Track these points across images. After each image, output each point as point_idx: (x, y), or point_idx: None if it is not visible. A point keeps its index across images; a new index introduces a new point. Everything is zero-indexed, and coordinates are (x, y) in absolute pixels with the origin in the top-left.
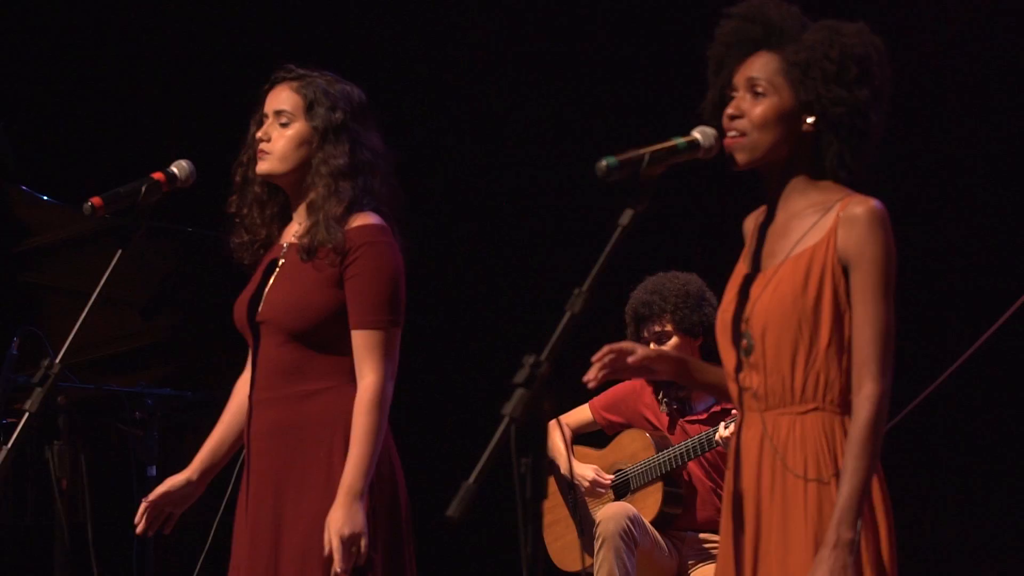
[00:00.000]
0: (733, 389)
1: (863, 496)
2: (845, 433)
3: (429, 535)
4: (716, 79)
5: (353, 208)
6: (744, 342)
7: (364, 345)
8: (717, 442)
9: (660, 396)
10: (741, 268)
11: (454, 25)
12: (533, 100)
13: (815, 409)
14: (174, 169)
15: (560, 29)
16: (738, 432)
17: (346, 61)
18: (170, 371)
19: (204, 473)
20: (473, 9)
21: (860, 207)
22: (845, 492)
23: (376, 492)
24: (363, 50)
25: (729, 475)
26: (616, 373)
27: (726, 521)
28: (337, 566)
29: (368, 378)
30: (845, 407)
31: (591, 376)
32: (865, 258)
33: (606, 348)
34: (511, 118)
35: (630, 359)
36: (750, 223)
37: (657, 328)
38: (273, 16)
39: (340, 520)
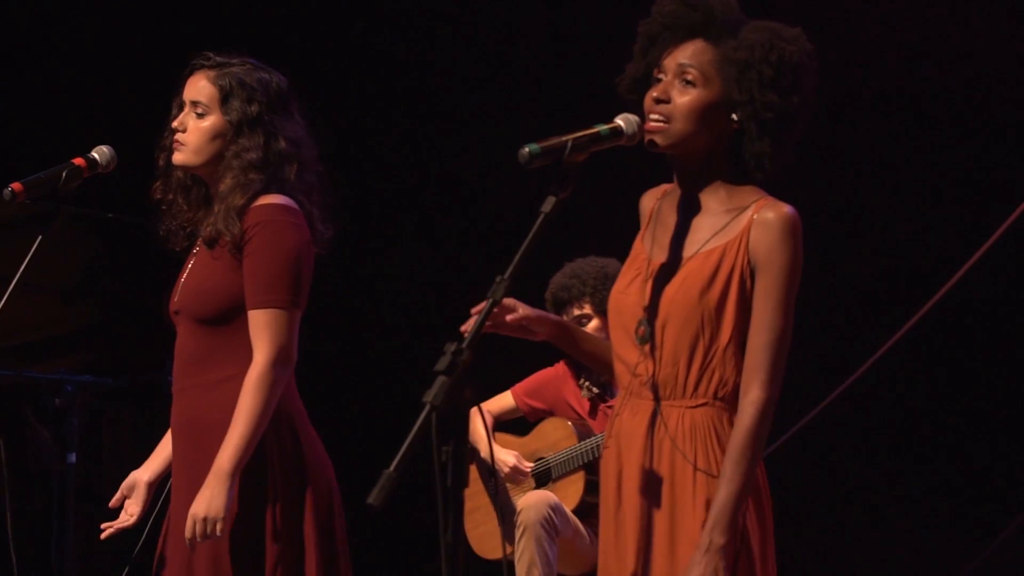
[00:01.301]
0: (621, 371)
1: (740, 501)
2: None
3: (350, 523)
4: (644, 56)
5: (257, 196)
6: (642, 329)
7: (256, 324)
8: None
9: (581, 381)
10: (641, 250)
11: (384, 12)
12: (455, 87)
13: (705, 404)
14: (95, 154)
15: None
16: (622, 416)
17: (273, 48)
18: (91, 358)
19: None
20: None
21: (775, 212)
22: (722, 497)
23: (278, 476)
24: (290, 35)
25: (611, 460)
26: (496, 328)
27: (608, 507)
28: (188, 541)
29: (256, 358)
30: (734, 405)
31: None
32: (774, 264)
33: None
34: (433, 105)
35: (508, 317)
36: (648, 202)
37: (576, 311)
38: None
39: (201, 501)
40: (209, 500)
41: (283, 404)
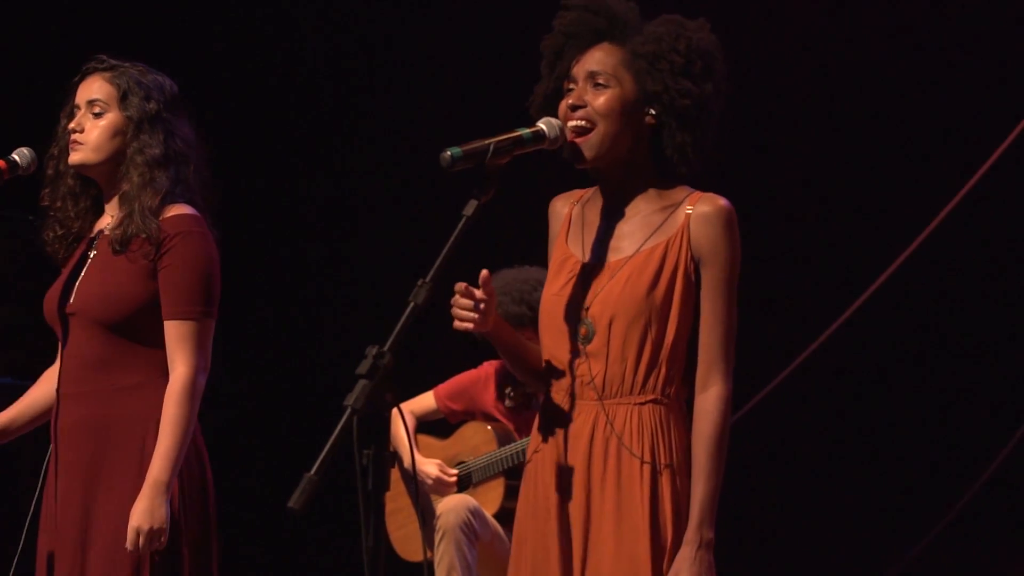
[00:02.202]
0: (556, 373)
1: (718, 493)
2: (678, 423)
3: (271, 526)
4: (552, 70)
5: (167, 199)
6: (584, 330)
7: (176, 336)
8: None
9: (507, 390)
10: (568, 254)
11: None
12: (378, 91)
13: (653, 400)
14: (15, 156)
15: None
16: (559, 419)
17: (167, 55)
18: (11, 360)
19: None
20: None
21: (712, 205)
22: (704, 493)
23: (185, 486)
24: (186, 44)
25: (546, 463)
26: (485, 314)
27: (540, 511)
28: (131, 553)
29: (179, 369)
30: (679, 399)
31: (472, 326)
32: (719, 257)
33: (462, 285)
34: (356, 107)
35: (478, 293)
36: (563, 207)
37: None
38: (92, 6)
39: (141, 513)
40: (151, 512)
41: None
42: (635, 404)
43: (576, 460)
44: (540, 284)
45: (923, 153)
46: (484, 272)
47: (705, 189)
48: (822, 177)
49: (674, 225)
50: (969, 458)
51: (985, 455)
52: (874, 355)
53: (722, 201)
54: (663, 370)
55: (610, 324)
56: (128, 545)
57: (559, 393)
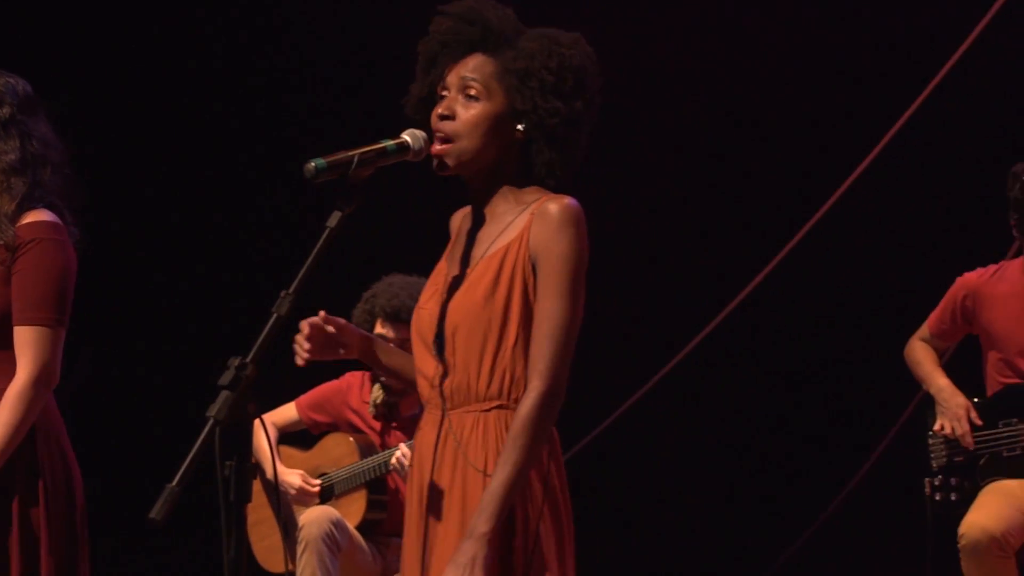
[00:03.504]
0: (422, 384)
1: (512, 490)
2: None
3: (133, 537)
4: (426, 75)
5: (24, 204)
6: (439, 342)
7: (22, 341)
8: (394, 466)
9: (374, 397)
10: (442, 267)
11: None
12: (245, 99)
13: (498, 407)
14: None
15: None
16: (423, 430)
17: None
18: None
19: None
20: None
21: (555, 204)
22: (492, 484)
23: (51, 494)
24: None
25: (414, 473)
26: (321, 345)
27: (411, 522)
28: None
29: (20, 374)
30: None
31: (303, 354)
32: (552, 254)
33: (306, 323)
34: (222, 115)
35: (328, 328)
36: (457, 220)
37: (379, 330)
38: None
39: None
40: None
41: (51, 422)
42: (481, 411)
43: (431, 469)
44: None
45: (774, 183)
46: (322, 313)
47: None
48: (681, 194)
49: (518, 227)
50: (837, 465)
51: (852, 462)
52: (745, 361)
53: (566, 200)
54: (507, 375)
55: (454, 333)
56: None
57: (425, 405)
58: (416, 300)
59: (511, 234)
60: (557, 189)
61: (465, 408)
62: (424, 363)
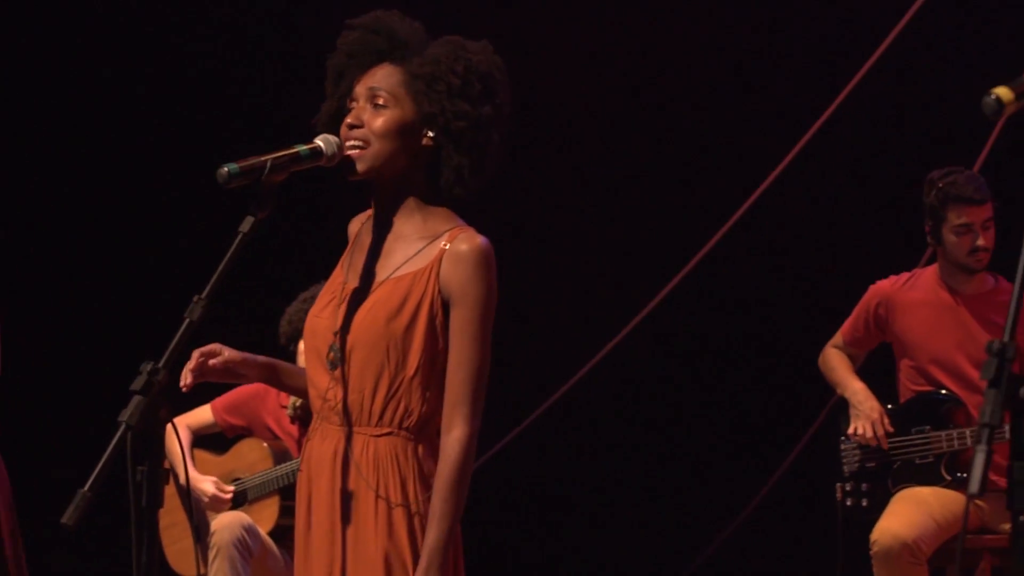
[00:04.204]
0: (313, 395)
1: (451, 538)
2: (417, 461)
3: (44, 542)
4: (335, 89)
5: None
6: (332, 354)
7: None
8: None
9: (292, 400)
10: (338, 274)
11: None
12: (161, 102)
13: (389, 434)
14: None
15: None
16: (313, 441)
17: None
18: None
19: None
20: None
21: (468, 244)
22: (433, 537)
23: (9, 513)
24: None
25: (303, 484)
26: (205, 376)
27: (299, 532)
28: None
29: None
30: (420, 436)
31: (183, 382)
32: (469, 297)
33: (196, 352)
34: (138, 119)
35: (211, 361)
36: (355, 225)
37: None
38: None
39: None
40: None
41: None
42: (372, 436)
43: (322, 483)
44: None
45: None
46: (215, 346)
47: (476, 214)
48: (592, 203)
49: (427, 257)
50: (751, 471)
51: (766, 468)
52: (660, 367)
53: (479, 240)
54: (402, 404)
55: (352, 351)
56: None
57: (316, 416)
58: None
59: (420, 263)
60: (467, 198)
61: (358, 428)
62: (317, 374)
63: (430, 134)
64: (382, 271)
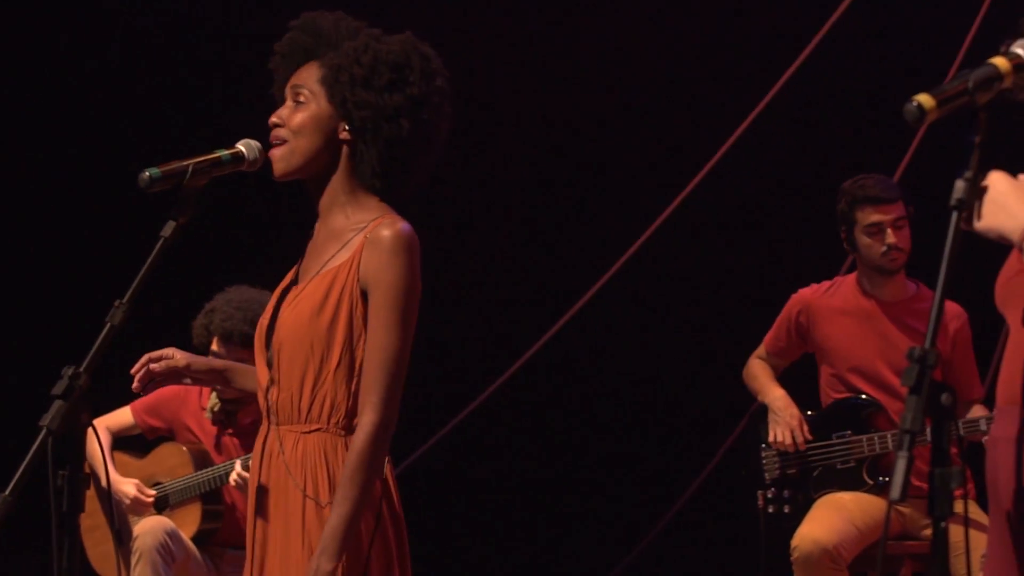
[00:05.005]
0: (260, 396)
1: (351, 525)
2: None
3: None
4: (274, 91)
5: None
6: (269, 354)
7: None
8: (237, 481)
9: (211, 404)
10: (289, 276)
11: None
12: (81, 106)
13: (318, 430)
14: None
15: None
16: (259, 442)
17: None
18: None
19: None
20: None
21: (387, 230)
22: (332, 522)
23: None
24: None
25: (252, 485)
26: (155, 380)
27: (249, 532)
28: None
29: None
30: (350, 430)
31: (136, 386)
32: (383, 283)
33: (144, 357)
34: (58, 122)
35: (152, 366)
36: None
37: (215, 348)
38: None
39: None
40: None
41: None
42: (302, 433)
43: (262, 482)
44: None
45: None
46: (165, 350)
47: (413, 209)
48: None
49: (351, 249)
50: (672, 478)
51: (687, 475)
52: (580, 374)
53: (399, 226)
54: (328, 399)
55: (280, 350)
56: None
57: (263, 415)
58: (252, 320)
59: (344, 255)
60: (391, 192)
61: (289, 427)
62: (260, 373)
63: (347, 128)
64: (314, 268)
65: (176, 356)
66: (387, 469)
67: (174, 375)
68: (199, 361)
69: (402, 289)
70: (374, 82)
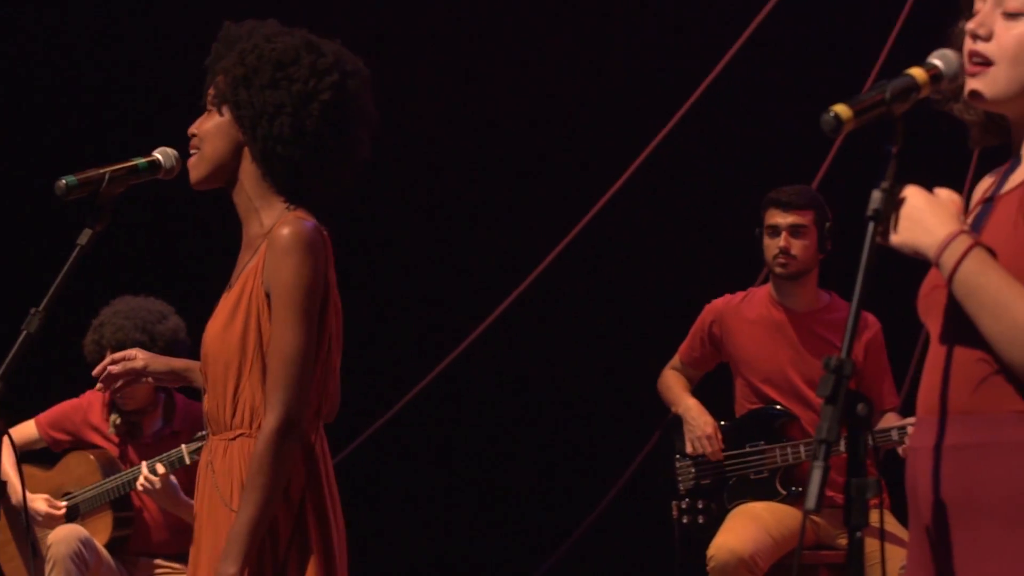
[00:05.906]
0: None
1: (256, 529)
2: None
3: None
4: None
5: None
6: (203, 366)
7: None
8: (144, 485)
9: (112, 417)
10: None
11: None
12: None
13: (241, 435)
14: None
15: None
16: (205, 454)
17: None
18: None
19: None
20: None
21: (284, 229)
22: (234, 526)
23: None
24: None
25: (196, 496)
26: (116, 379)
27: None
28: None
29: None
30: None
31: (99, 388)
32: (279, 282)
33: (107, 358)
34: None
35: (111, 368)
36: None
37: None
38: None
39: None
40: None
41: None
42: (227, 440)
43: (200, 496)
44: (163, 316)
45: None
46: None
47: (328, 216)
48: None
49: (259, 255)
50: (587, 489)
51: (601, 487)
52: (501, 381)
53: (296, 225)
54: (247, 405)
55: (206, 361)
56: None
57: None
58: (143, 327)
59: (254, 261)
60: (300, 193)
61: (218, 436)
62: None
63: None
64: (233, 278)
65: (138, 357)
66: (321, 466)
67: (133, 376)
68: (159, 361)
69: (299, 287)
70: (255, 81)
